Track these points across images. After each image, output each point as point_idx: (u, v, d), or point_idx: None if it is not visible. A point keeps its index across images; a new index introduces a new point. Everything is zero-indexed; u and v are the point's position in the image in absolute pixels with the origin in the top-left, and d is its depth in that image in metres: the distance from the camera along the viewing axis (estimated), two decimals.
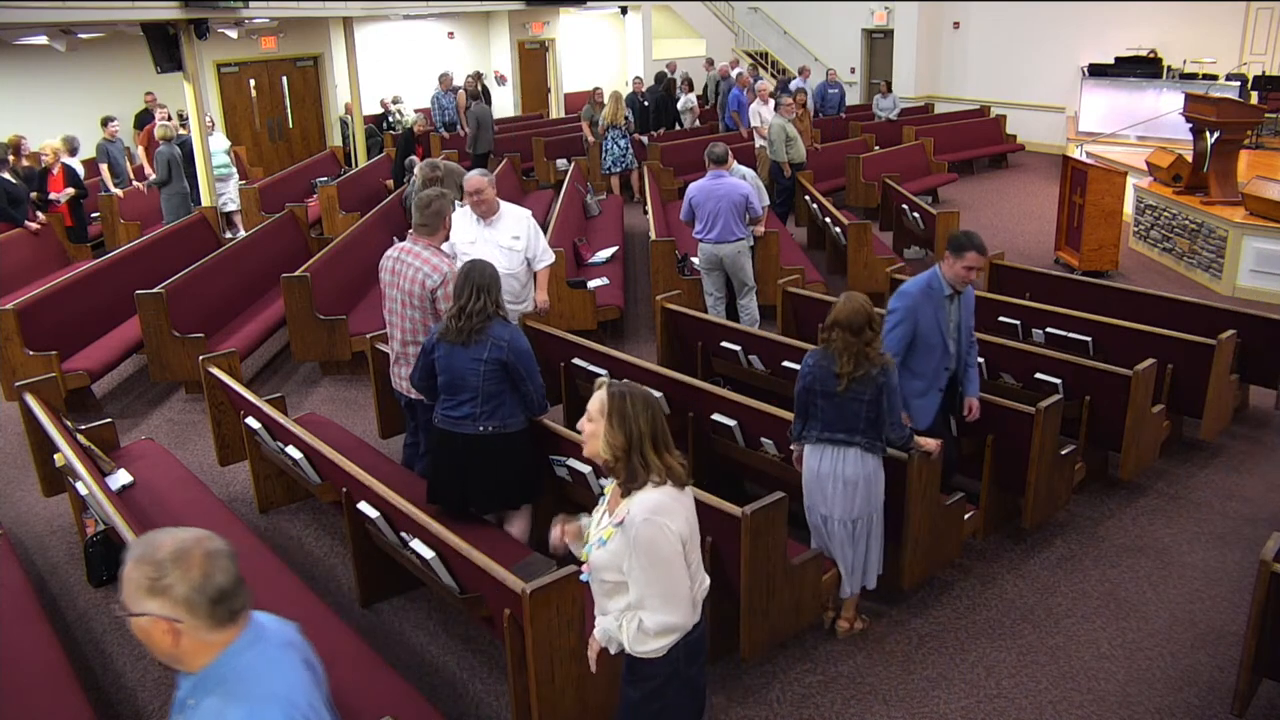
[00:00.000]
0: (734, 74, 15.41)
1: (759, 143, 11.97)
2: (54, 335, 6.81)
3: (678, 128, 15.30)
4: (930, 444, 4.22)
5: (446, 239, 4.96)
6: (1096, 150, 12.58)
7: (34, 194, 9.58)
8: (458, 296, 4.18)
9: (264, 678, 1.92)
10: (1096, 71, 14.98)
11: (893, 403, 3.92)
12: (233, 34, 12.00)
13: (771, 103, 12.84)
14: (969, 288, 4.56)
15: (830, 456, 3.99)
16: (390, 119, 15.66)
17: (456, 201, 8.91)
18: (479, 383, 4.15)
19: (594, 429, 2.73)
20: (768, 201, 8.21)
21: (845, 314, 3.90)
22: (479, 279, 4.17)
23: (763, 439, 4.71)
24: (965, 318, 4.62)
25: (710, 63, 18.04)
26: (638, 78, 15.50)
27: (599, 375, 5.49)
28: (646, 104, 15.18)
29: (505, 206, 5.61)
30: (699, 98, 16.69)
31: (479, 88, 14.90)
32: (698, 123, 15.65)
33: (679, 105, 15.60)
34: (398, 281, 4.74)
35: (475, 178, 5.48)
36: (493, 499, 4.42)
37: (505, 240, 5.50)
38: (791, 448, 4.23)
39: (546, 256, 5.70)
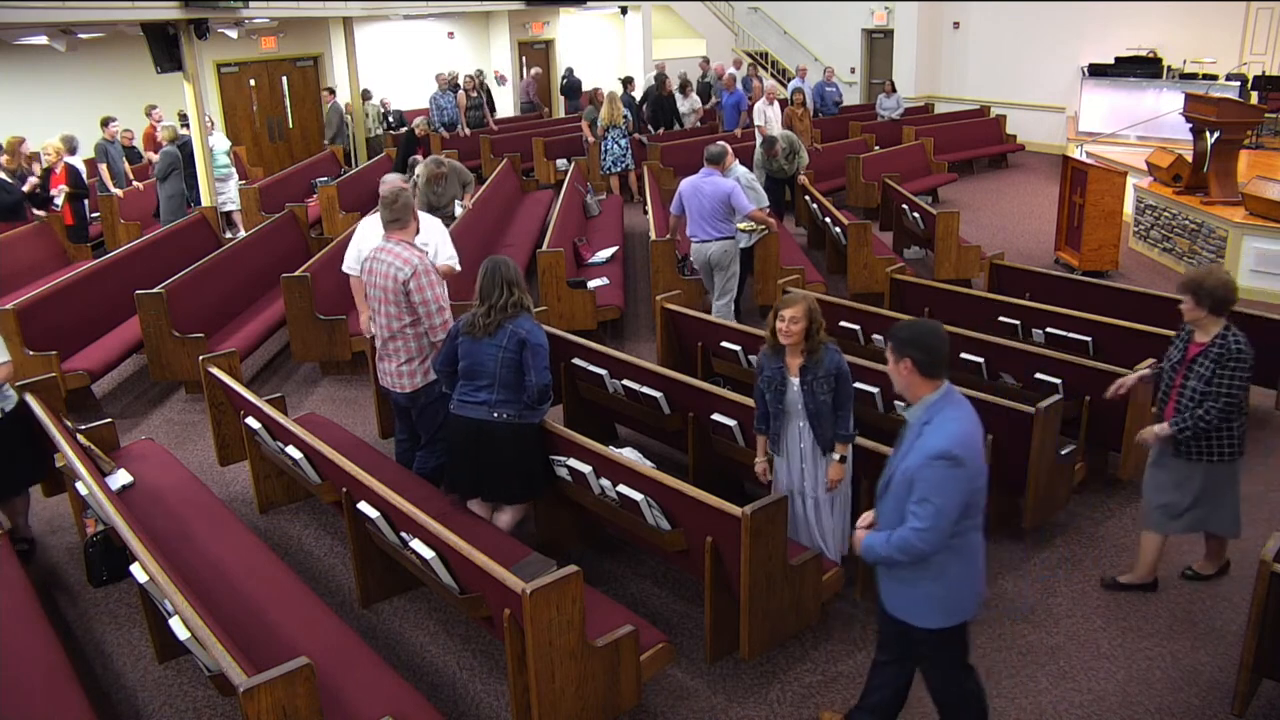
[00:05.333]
0: (726, 75, 15.43)
1: (762, 136, 11.91)
2: (54, 335, 6.81)
3: (677, 127, 15.30)
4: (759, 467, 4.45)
5: (418, 232, 5.01)
6: (1096, 150, 12.58)
7: (33, 179, 9.58)
8: (486, 295, 4.24)
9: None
10: (1096, 71, 14.97)
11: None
12: (233, 34, 11.99)
13: (776, 104, 12.83)
14: (923, 432, 3.08)
15: None
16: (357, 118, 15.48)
17: (457, 200, 8.96)
18: (496, 369, 4.23)
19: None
20: (766, 203, 8.19)
21: None
22: (506, 274, 4.26)
23: None
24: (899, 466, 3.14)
25: (705, 62, 18.02)
26: (628, 78, 15.45)
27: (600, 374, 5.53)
28: (639, 104, 15.18)
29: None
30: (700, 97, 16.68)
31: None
32: (699, 123, 15.64)
33: (682, 107, 15.58)
34: (374, 280, 4.79)
35: (392, 180, 5.50)
36: (501, 488, 4.47)
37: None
38: None
39: (451, 262, 5.76)
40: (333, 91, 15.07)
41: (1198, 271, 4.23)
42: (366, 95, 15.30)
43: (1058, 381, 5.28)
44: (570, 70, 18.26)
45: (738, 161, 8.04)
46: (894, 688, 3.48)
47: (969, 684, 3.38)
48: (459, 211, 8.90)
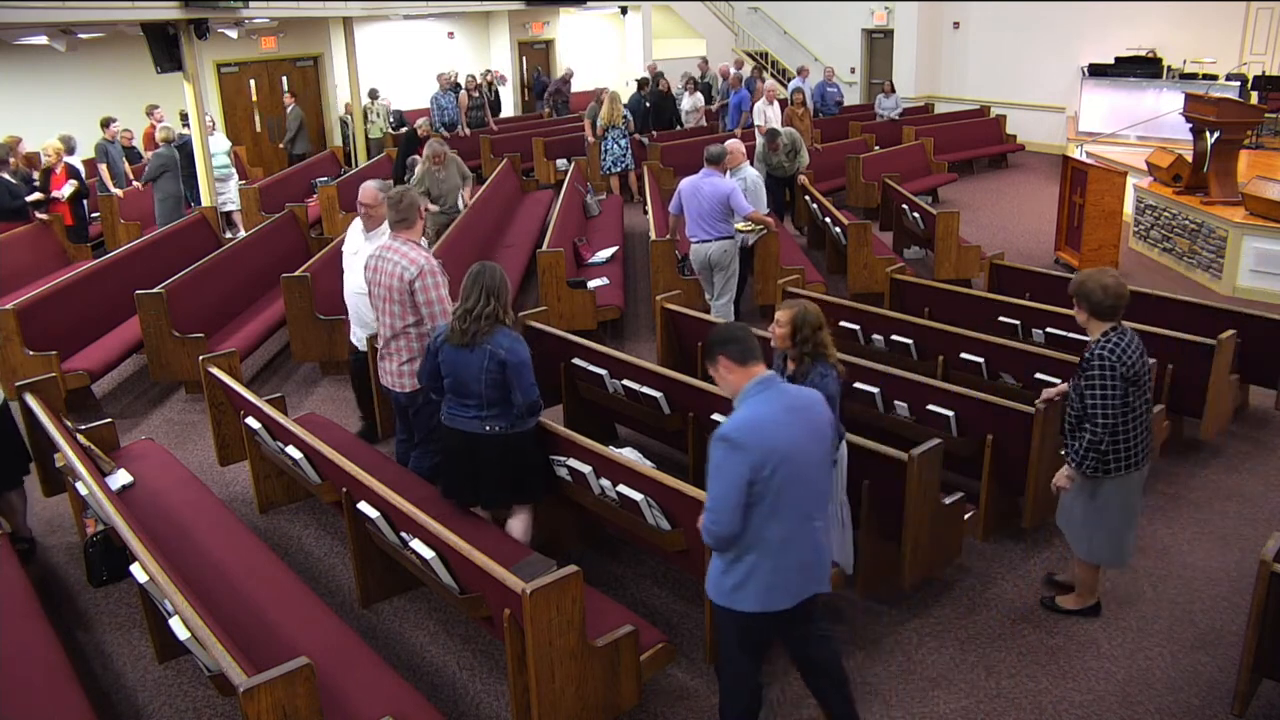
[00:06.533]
0: (732, 76, 15.43)
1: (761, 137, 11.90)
2: (54, 335, 6.81)
3: (677, 128, 15.30)
4: None
5: (424, 231, 5.01)
6: (1096, 150, 12.58)
7: (38, 193, 9.57)
8: (465, 298, 4.19)
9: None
10: (1096, 71, 14.98)
11: None
12: (233, 34, 12.00)
13: (776, 104, 12.83)
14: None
15: None
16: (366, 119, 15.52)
17: (460, 195, 8.97)
18: (481, 389, 4.18)
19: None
20: (766, 209, 8.17)
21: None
22: (488, 282, 4.18)
23: None
24: None
25: (704, 62, 18.00)
26: (642, 79, 15.47)
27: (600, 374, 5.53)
28: (648, 104, 15.18)
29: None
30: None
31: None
32: (702, 122, 15.64)
33: (685, 106, 15.57)
34: (379, 278, 4.78)
35: (369, 188, 5.47)
36: (501, 494, 4.45)
37: None
38: None
39: None
40: (294, 95, 15.20)
41: (1085, 272, 4.06)
42: (374, 94, 15.31)
43: (1058, 381, 5.27)
44: (538, 70, 18.36)
45: (748, 163, 8.03)
46: (828, 682, 3.51)
47: (739, 686, 3.35)
48: (462, 206, 8.91)
